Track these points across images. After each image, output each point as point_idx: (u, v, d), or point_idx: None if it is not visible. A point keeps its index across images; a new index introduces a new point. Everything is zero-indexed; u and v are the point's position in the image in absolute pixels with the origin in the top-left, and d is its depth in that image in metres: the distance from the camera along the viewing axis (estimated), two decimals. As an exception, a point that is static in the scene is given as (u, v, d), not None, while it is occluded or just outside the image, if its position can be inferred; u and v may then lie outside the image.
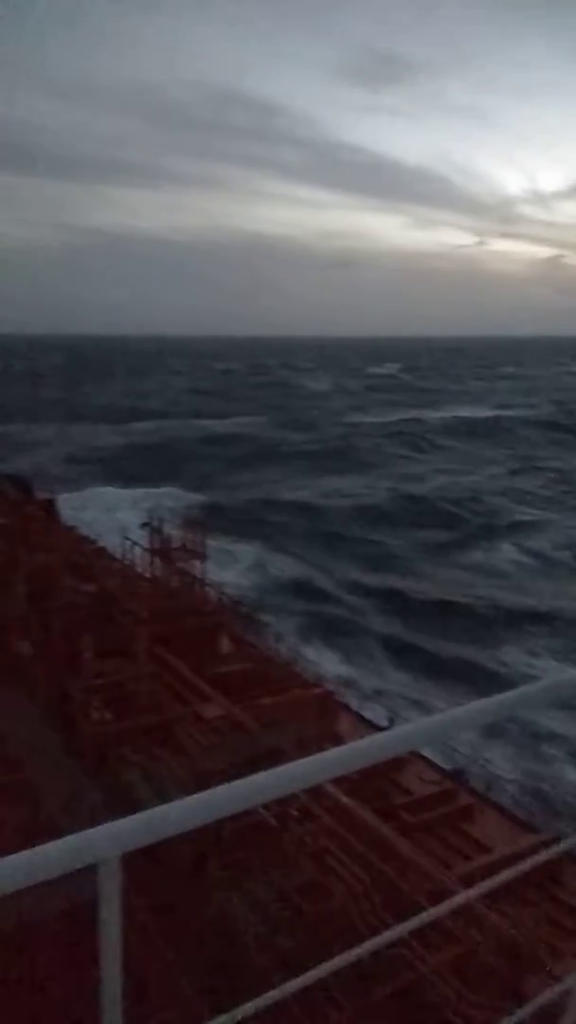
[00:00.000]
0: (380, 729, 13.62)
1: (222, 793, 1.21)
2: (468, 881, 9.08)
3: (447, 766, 13.73)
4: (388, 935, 1.70)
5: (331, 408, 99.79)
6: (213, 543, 35.43)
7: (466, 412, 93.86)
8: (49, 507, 23.49)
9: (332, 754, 1.32)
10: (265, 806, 9.44)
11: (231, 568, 33.73)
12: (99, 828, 1.13)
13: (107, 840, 1.13)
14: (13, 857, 1.06)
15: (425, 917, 1.80)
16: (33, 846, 1.10)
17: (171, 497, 46.23)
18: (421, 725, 1.48)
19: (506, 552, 39.79)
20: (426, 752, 13.54)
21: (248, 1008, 1.43)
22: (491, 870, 9.52)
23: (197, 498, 47.19)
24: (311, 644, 25.69)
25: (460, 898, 1.90)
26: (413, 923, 1.72)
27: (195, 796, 1.19)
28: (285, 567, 36.07)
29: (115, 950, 1.21)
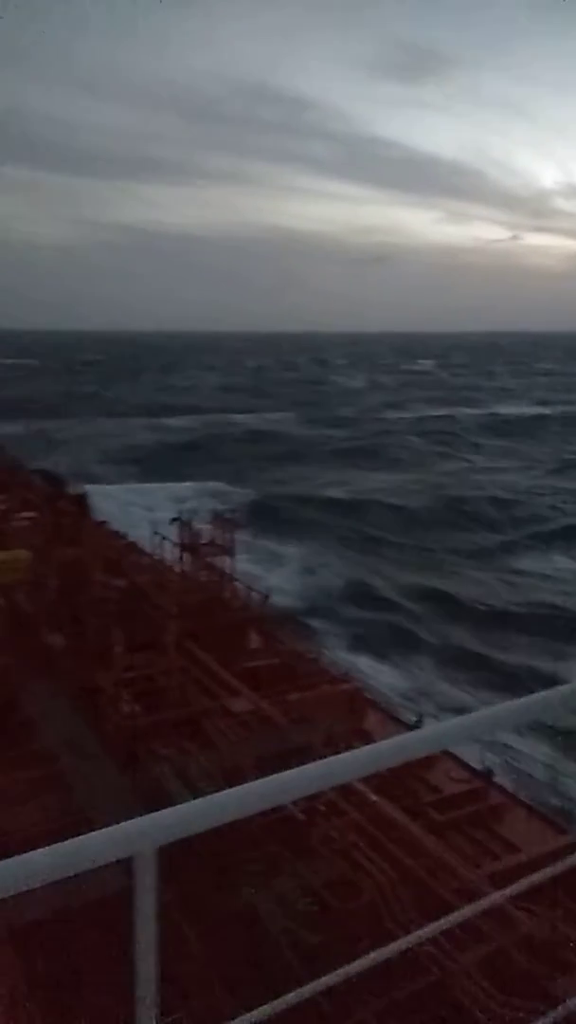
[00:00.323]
0: (408, 726, 13.55)
1: (256, 788, 1.21)
2: (497, 881, 9.00)
3: (477, 765, 13.62)
4: (418, 933, 1.69)
5: (367, 404, 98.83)
6: (256, 543, 34.78)
7: (505, 409, 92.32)
8: (80, 502, 23.74)
9: (364, 752, 1.32)
10: (293, 800, 9.46)
11: (279, 570, 33.20)
12: (136, 821, 1.13)
13: (144, 833, 1.14)
14: (52, 848, 1.07)
15: (455, 917, 1.78)
16: (66, 839, 1.11)
17: (210, 493, 46.16)
18: (453, 724, 1.46)
19: (558, 556, 38.08)
20: (456, 750, 13.45)
21: (277, 1004, 1.43)
22: (521, 871, 9.42)
23: (240, 492, 47.10)
24: (368, 653, 24.96)
25: (490, 898, 1.88)
26: (443, 922, 1.70)
27: (229, 791, 1.19)
28: (332, 570, 34.91)
29: (150, 942, 1.21)
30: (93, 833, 1.10)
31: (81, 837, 1.09)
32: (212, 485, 49.57)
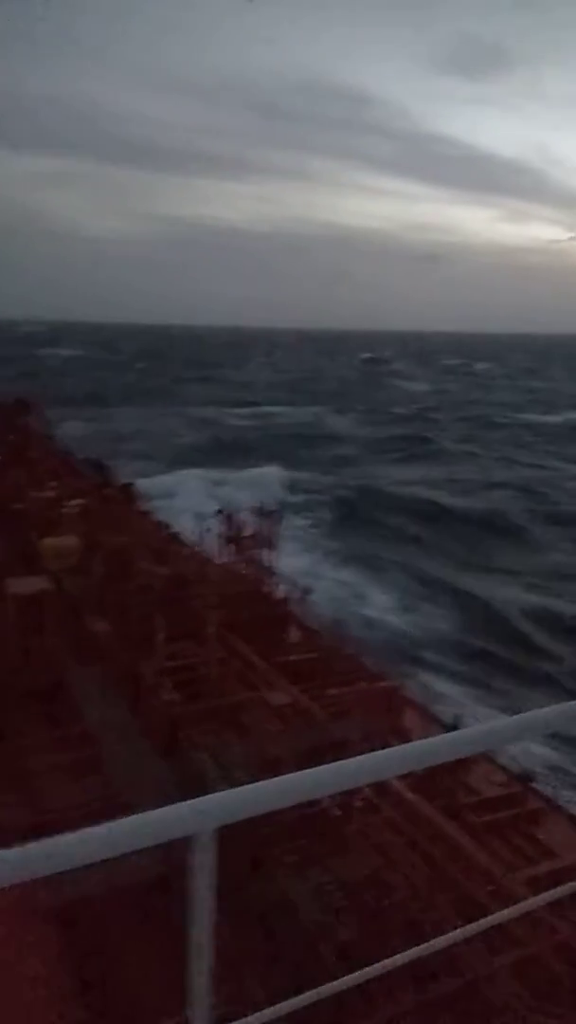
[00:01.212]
0: (447, 727, 13.45)
1: (311, 776, 1.22)
2: (534, 886, 8.88)
3: (516, 768, 13.45)
4: (452, 934, 1.68)
5: (435, 407, 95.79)
6: (347, 573, 32.54)
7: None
8: (127, 491, 24.11)
9: (404, 749, 1.33)
10: (330, 796, 9.48)
11: (375, 600, 29.85)
12: (197, 800, 1.15)
13: (205, 813, 1.16)
14: (114, 823, 1.10)
15: (490, 919, 1.77)
16: (105, 820, 1.13)
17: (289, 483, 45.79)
18: (493, 727, 1.46)
19: None
20: (495, 753, 13.29)
21: (307, 996, 1.44)
22: (558, 876, 9.29)
23: (327, 480, 46.12)
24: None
25: (526, 903, 1.86)
26: (477, 925, 1.70)
27: (285, 777, 1.21)
28: (435, 601, 30.45)
29: (206, 922, 1.24)
30: (155, 811, 1.13)
31: (143, 814, 1.12)
32: (293, 476, 49.08)
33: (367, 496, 47.42)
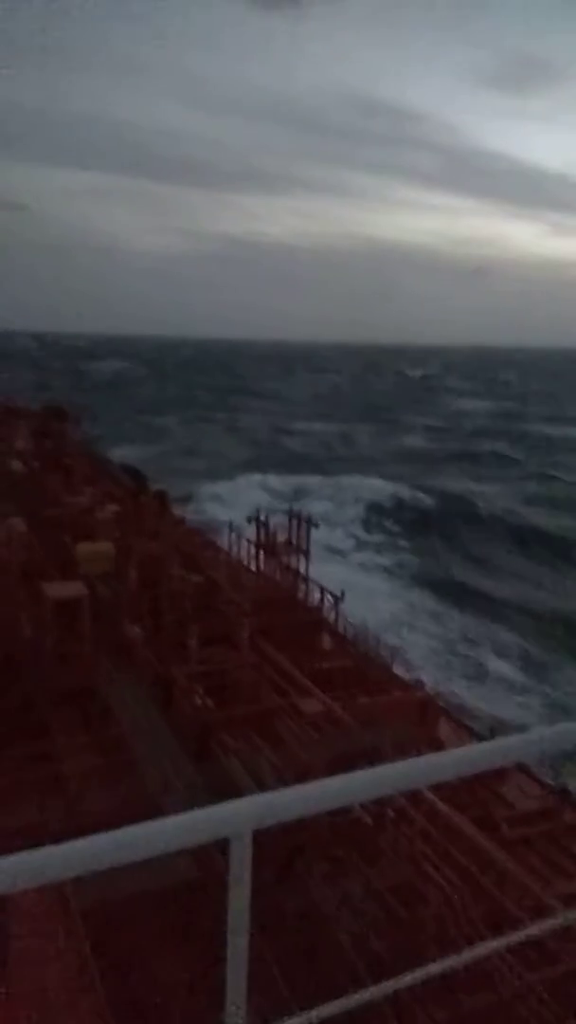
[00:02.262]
0: (482, 738, 13.28)
1: (347, 781, 1.22)
2: (569, 901, 8.71)
3: (552, 781, 13.21)
4: (485, 946, 1.67)
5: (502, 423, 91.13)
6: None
7: None
8: (161, 498, 24.34)
9: (447, 755, 1.32)
10: (361, 804, 9.42)
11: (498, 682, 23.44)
12: (234, 802, 1.16)
13: (242, 815, 1.16)
14: (152, 823, 1.10)
15: (524, 933, 1.75)
16: (136, 823, 1.14)
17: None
18: (527, 738, 1.44)
19: None
20: (531, 765, 13.08)
21: (337, 1004, 1.44)
22: None
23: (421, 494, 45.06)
24: None
25: (562, 917, 1.83)
26: (511, 938, 1.68)
27: (321, 781, 1.22)
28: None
29: (243, 924, 1.25)
30: (192, 812, 1.14)
31: (180, 815, 1.12)
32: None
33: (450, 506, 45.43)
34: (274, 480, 50.86)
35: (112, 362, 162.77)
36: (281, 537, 18.66)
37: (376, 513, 44.23)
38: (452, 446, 73.81)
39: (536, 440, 78.39)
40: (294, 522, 18.58)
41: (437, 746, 12.30)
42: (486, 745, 1.41)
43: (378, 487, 48.96)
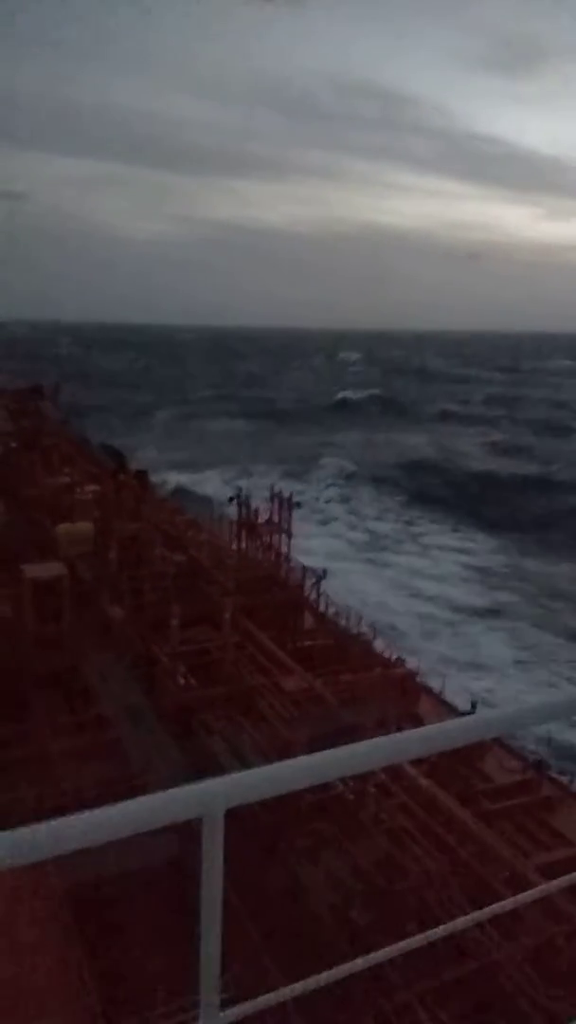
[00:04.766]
0: (462, 713, 13.41)
1: (323, 759, 1.20)
2: (547, 872, 8.87)
3: (530, 756, 13.41)
4: (464, 919, 1.66)
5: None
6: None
7: None
8: (142, 478, 24.16)
9: (427, 731, 1.30)
10: (343, 780, 9.49)
11: None
12: (207, 782, 1.14)
13: (214, 794, 1.14)
14: (125, 804, 1.08)
15: (502, 905, 1.75)
16: (122, 800, 1.11)
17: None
18: (507, 712, 1.43)
19: None
20: (509, 740, 13.26)
21: (320, 979, 1.43)
22: (572, 863, 9.26)
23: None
24: None
25: (539, 889, 1.84)
26: (490, 910, 1.67)
27: (297, 759, 1.20)
28: None
29: (216, 904, 1.23)
30: (163, 792, 1.11)
31: (154, 795, 1.10)
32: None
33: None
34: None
35: (116, 352, 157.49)
36: (263, 517, 18.58)
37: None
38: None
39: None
40: (275, 502, 18.49)
41: (418, 722, 12.41)
42: (466, 720, 1.40)
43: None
